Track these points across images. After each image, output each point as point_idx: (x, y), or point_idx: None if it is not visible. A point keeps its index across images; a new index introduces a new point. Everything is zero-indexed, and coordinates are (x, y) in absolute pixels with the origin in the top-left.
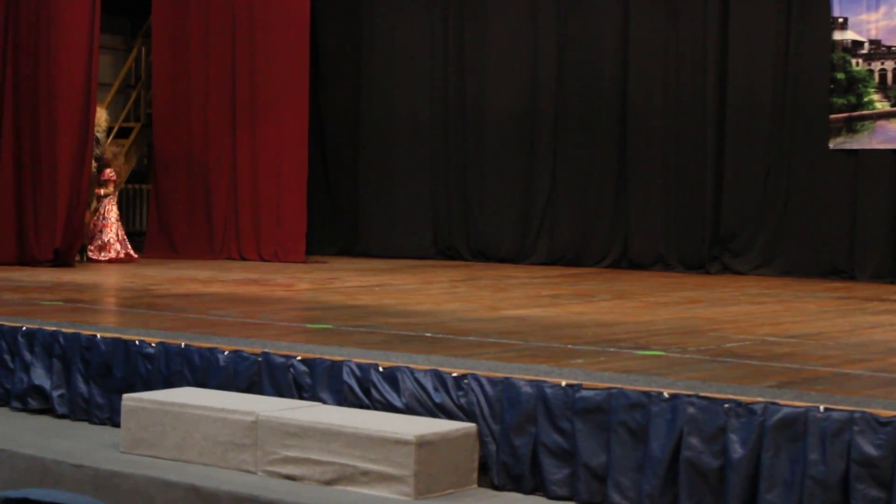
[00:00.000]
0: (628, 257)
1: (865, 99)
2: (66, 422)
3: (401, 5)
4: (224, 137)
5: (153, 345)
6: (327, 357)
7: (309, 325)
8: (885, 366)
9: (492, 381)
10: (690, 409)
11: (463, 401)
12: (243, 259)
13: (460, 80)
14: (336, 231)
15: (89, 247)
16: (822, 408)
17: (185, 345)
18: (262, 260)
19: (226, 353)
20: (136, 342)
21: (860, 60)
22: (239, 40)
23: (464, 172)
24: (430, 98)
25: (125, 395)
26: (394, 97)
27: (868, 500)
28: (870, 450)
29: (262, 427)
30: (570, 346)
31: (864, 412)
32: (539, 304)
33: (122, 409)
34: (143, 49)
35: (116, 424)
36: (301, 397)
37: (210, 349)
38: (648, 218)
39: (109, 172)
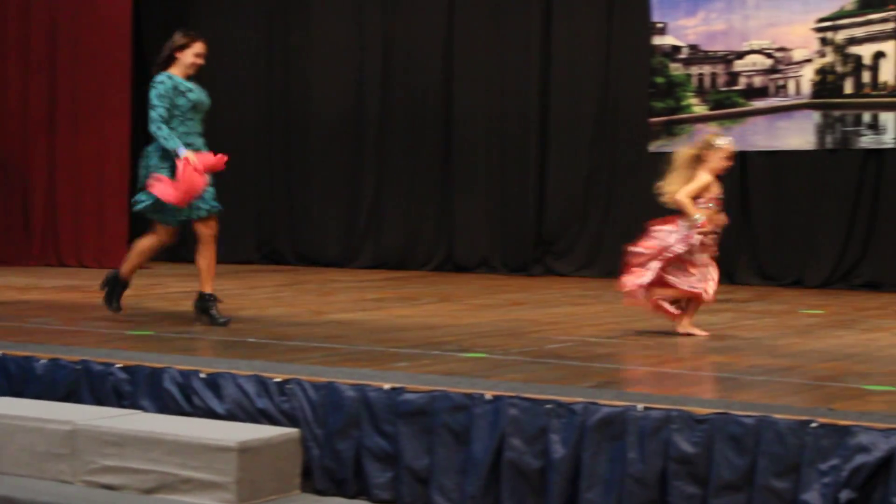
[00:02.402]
0: (453, 260)
1: (684, 103)
2: None
3: (225, 10)
4: (42, 141)
5: None
6: (148, 364)
7: (130, 332)
8: (701, 364)
9: (315, 385)
10: (512, 411)
11: (286, 406)
12: (63, 265)
13: (286, 84)
14: None
15: None
16: (640, 407)
17: (1, 354)
18: (83, 266)
19: (43, 361)
20: None
21: (679, 65)
22: (61, 44)
23: (288, 176)
24: (255, 102)
25: None
26: (219, 101)
27: (685, 497)
28: (686, 447)
29: (80, 436)
30: (393, 350)
31: (681, 410)
32: (364, 308)
33: None
34: None
35: None
36: (121, 405)
37: (26, 357)
38: (473, 220)
39: None
